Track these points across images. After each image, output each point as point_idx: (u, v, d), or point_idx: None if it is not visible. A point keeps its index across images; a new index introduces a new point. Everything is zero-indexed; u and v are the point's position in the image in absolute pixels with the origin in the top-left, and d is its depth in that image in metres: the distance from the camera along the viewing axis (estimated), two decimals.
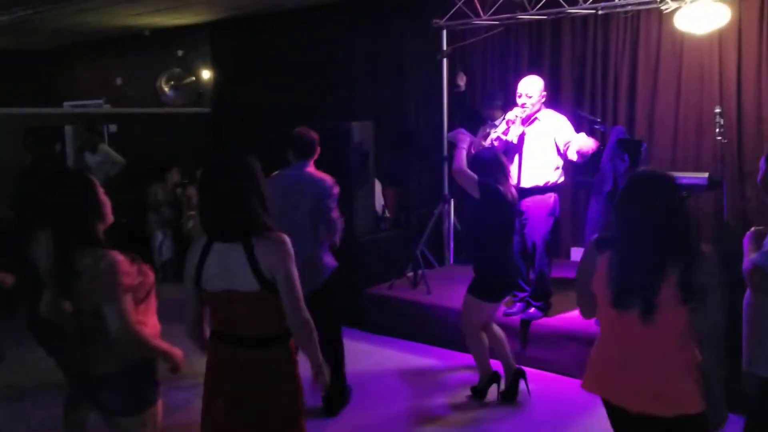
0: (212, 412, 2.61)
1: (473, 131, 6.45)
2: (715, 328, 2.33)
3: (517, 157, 5.23)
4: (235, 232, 2.48)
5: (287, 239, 2.49)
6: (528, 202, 5.19)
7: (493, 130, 5.40)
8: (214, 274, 2.51)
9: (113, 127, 10.30)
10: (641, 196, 2.40)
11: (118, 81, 11.84)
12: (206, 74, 10.54)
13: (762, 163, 2.75)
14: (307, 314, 2.48)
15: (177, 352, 2.81)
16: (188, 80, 10.70)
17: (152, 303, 2.84)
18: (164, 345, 2.76)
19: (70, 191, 2.69)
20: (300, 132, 4.47)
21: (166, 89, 10.66)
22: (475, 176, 4.45)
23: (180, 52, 10.77)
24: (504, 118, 5.37)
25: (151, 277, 2.83)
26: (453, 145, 4.86)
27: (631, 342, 2.45)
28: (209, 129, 10.24)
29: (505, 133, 5.24)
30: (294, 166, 4.47)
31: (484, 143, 5.46)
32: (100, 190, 2.77)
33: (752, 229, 2.77)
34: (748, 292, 2.69)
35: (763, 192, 2.80)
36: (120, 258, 2.62)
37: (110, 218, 2.80)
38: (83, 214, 2.67)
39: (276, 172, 4.45)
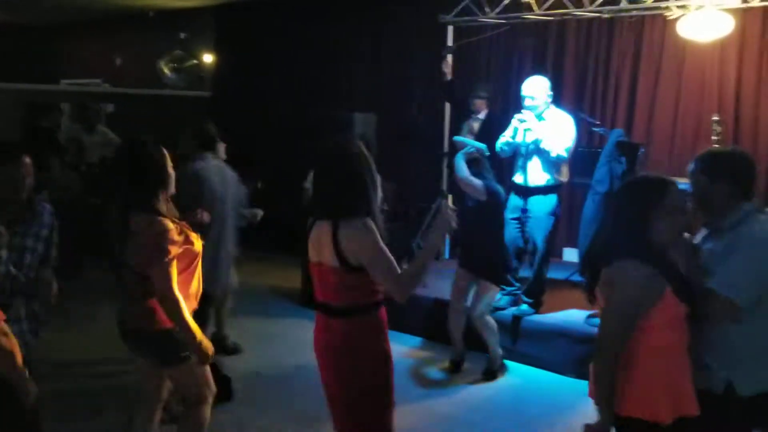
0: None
1: (460, 121, 6.54)
2: (603, 333, 2.39)
3: (521, 155, 5.29)
4: (325, 212, 2.68)
5: (369, 224, 2.58)
6: (531, 201, 5.27)
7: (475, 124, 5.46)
8: (312, 247, 2.73)
9: (110, 107, 10.28)
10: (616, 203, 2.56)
11: (118, 61, 11.80)
12: (208, 58, 10.53)
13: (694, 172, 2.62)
14: (398, 275, 2.58)
15: (207, 343, 3.02)
16: (190, 63, 10.68)
17: (196, 269, 3.12)
18: (195, 327, 2.96)
19: (140, 160, 2.98)
20: (208, 124, 4.67)
21: (167, 71, 10.64)
22: (480, 182, 4.63)
23: (183, 35, 10.74)
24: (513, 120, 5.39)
25: (198, 246, 3.08)
26: (455, 148, 4.96)
27: None
28: (208, 113, 10.24)
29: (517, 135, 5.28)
30: (205, 157, 4.55)
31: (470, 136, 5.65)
32: (169, 163, 3.04)
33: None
34: None
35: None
36: (171, 226, 2.89)
37: (173, 189, 3.07)
38: (147, 182, 2.95)
39: (194, 164, 4.45)
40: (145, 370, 3.24)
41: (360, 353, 2.66)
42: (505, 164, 5.72)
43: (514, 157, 5.41)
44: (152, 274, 2.88)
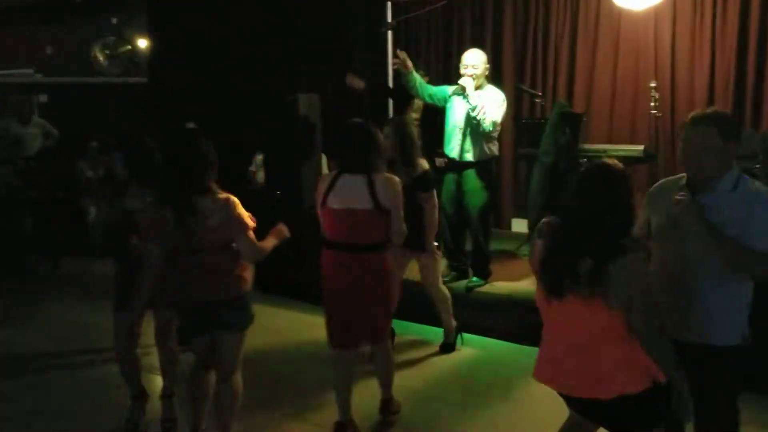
0: (334, 304, 3.66)
1: (403, 105, 6.60)
2: (645, 324, 2.41)
3: (457, 130, 5.32)
4: (362, 168, 3.50)
5: (397, 179, 3.58)
6: (466, 175, 5.32)
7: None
8: (338, 196, 3.50)
9: (43, 98, 9.96)
10: (588, 189, 2.47)
11: (49, 49, 11.40)
12: (143, 43, 10.25)
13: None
14: (404, 226, 3.59)
15: (279, 231, 3.51)
16: (124, 49, 10.39)
17: None
18: (271, 242, 3.45)
19: (197, 147, 3.31)
20: None
21: (101, 58, 10.34)
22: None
23: (114, 20, 10.44)
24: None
25: None
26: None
27: (559, 328, 2.57)
28: (147, 100, 9.98)
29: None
30: None
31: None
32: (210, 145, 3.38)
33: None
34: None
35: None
36: (237, 199, 3.29)
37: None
38: (202, 168, 3.27)
39: None
40: (203, 343, 3.46)
41: (385, 274, 3.64)
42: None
43: (447, 133, 5.42)
44: (240, 243, 3.27)
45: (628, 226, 2.42)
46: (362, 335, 3.74)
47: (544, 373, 2.65)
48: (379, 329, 3.75)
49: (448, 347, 5.08)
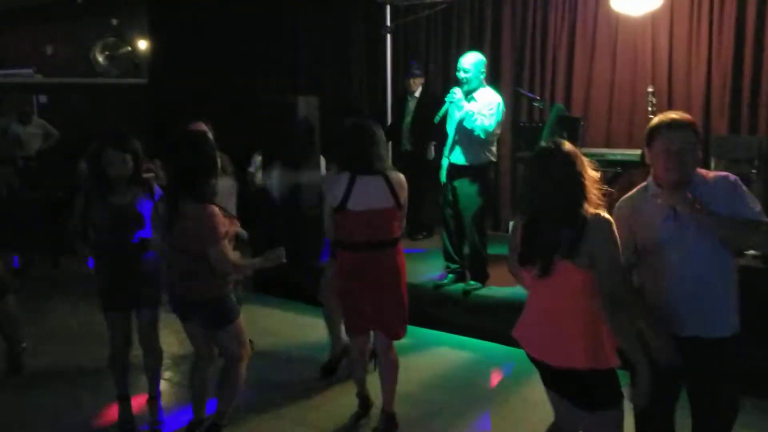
0: (357, 300, 3.72)
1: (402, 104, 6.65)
2: (615, 287, 2.49)
3: (452, 134, 5.32)
4: (376, 169, 3.59)
5: (403, 176, 3.71)
6: (458, 180, 5.31)
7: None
8: (360, 198, 3.57)
9: (43, 98, 9.99)
10: (540, 168, 2.63)
11: (49, 50, 11.42)
12: (143, 44, 10.27)
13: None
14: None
15: (275, 255, 3.50)
16: (124, 50, 10.42)
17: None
18: (256, 263, 3.59)
19: (198, 151, 3.35)
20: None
21: (101, 59, 10.37)
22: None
23: (115, 21, 10.47)
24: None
25: (235, 226, 3.51)
26: None
27: (537, 296, 2.73)
28: (146, 101, 10.01)
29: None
30: None
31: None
32: (215, 150, 3.43)
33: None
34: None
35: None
36: (217, 211, 3.31)
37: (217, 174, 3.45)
38: (195, 172, 3.31)
39: None
40: (197, 335, 3.64)
41: (402, 267, 3.78)
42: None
43: (447, 136, 5.42)
44: (210, 254, 3.29)
45: (581, 198, 2.53)
46: (381, 327, 3.84)
47: (518, 331, 2.84)
48: (395, 322, 3.82)
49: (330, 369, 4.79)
